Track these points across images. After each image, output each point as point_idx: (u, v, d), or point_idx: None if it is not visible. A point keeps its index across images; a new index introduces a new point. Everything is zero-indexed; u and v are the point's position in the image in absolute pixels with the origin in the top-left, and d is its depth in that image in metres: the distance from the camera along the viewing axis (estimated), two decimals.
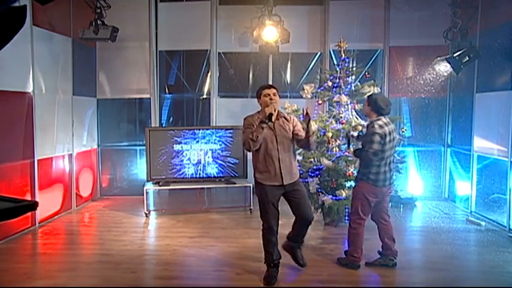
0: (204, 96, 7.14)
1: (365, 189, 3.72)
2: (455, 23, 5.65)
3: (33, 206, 1.22)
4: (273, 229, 3.46)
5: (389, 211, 4.00)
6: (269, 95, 3.42)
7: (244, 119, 3.53)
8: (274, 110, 3.35)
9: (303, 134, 3.48)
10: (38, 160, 5.09)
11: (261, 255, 3.93)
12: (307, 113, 3.33)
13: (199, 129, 5.87)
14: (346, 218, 5.16)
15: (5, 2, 1.12)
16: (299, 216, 3.52)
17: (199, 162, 5.83)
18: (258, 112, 3.52)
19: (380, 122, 3.65)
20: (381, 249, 3.93)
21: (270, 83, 7.04)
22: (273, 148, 3.41)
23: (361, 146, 3.84)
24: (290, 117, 3.59)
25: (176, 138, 5.78)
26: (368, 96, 3.87)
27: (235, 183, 5.79)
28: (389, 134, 3.64)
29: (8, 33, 1.20)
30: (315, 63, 7.02)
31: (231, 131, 5.89)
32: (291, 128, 3.51)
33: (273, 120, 3.31)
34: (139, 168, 7.00)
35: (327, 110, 6.01)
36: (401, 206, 6.08)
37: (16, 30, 1.21)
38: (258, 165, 3.47)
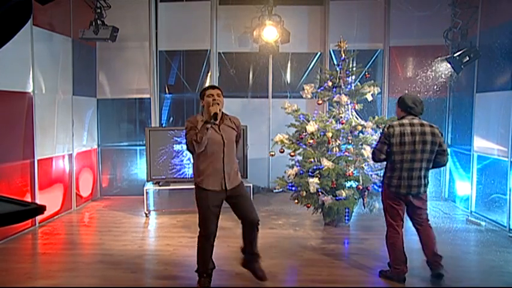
0: None
1: (384, 194, 3.60)
2: (455, 23, 5.66)
3: (40, 209, 1.22)
4: (210, 236, 3.34)
5: (426, 220, 3.63)
6: (212, 95, 3.26)
7: (187, 120, 3.34)
8: (219, 110, 3.25)
9: (239, 142, 3.48)
10: (38, 160, 5.09)
11: (261, 255, 3.93)
12: None
13: None
14: (346, 218, 5.17)
15: (5, 2, 1.12)
16: (244, 219, 3.41)
17: None
18: (202, 114, 3.34)
19: (394, 122, 3.50)
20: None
21: (270, 83, 7.06)
22: (219, 151, 3.26)
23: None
24: (235, 120, 3.44)
25: (176, 138, 5.78)
26: (398, 99, 3.66)
27: None
28: (403, 135, 3.38)
29: (14, 27, 1.20)
30: (315, 63, 7.02)
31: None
32: (235, 131, 3.40)
33: (217, 119, 3.21)
34: (139, 168, 7.00)
35: (327, 110, 6.02)
36: None
37: (22, 23, 1.20)
38: (201, 169, 3.31)
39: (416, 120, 3.48)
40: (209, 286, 3.37)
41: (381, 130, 3.56)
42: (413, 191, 3.45)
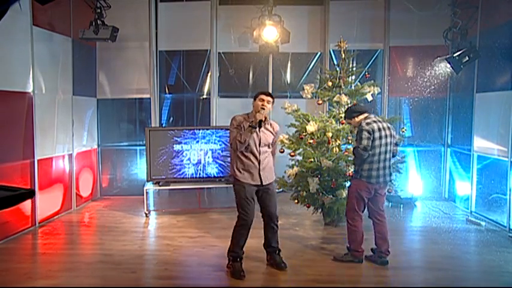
0: (204, 96, 7.14)
1: (358, 186, 3.85)
2: (455, 23, 5.66)
3: (30, 193, 1.22)
4: (248, 224, 3.64)
5: (385, 211, 4.05)
6: (263, 100, 3.61)
7: (233, 118, 3.69)
8: (265, 118, 3.61)
9: (275, 146, 3.86)
10: (38, 160, 5.09)
11: (261, 255, 3.94)
12: None
13: (199, 129, 5.87)
14: None
15: (6, 2, 1.12)
16: (263, 215, 3.77)
17: (199, 162, 5.83)
18: (247, 114, 3.71)
19: (368, 120, 3.80)
20: (374, 246, 4.02)
21: (270, 83, 7.05)
22: (255, 151, 3.63)
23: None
24: (274, 126, 3.80)
25: (176, 138, 5.78)
26: (344, 116, 4.09)
27: None
28: (379, 130, 3.75)
29: None
30: (315, 63, 7.02)
31: None
32: (273, 136, 3.76)
33: (262, 126, 3.57)
34: (139, 168, 7.00)
35: (327, 110, 6.02)
36: (401, 206, 6.09)
37: None
38: (239, 165, 3.67)
39: (377, 117, 3.89)
40: (242, 269, 3.63)
41: (359, 129, 3.80)
42: (387, 179, 3.88)
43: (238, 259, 3.67)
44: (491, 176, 5.35)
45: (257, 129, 3.53)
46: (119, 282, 3.54)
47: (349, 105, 4.20)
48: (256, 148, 3.62)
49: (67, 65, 5.89)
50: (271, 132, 3.75)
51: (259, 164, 3.63)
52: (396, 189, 5.10)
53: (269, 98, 3.64)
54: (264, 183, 3.65)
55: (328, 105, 6.06)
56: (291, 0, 6.79)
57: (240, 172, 3.66)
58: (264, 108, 3.59)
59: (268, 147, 3.73)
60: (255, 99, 3.68)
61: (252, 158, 3.63)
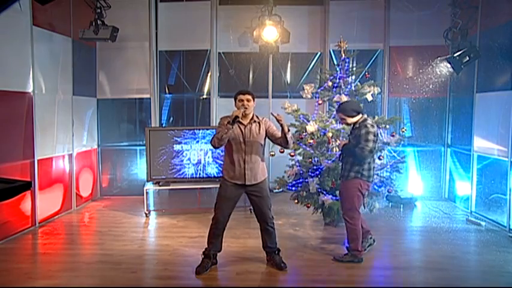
0: (204, 96, 7.15)
1: (360, 186, 3.85)
2: (455, 23, 5.65)
3: (28, 185, 1.23)
4: (220, 222, 3.71)
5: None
6: (242, 100, 3.62)
7: (221, 118, 3.72)
8: (245, 115, 3.61)
9: (279, 132, 3.67)
10: (38, 160, 5.09)
11: (261, 256, 3.94)
12: (278, 119, 3.53)
13: (199, 129, 5.87)
14: None
15: (6, 2, 1.13)
16: (257, 217, 3.81)
17: (199, 162, 5.83)
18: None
19: (370, 122, 3.82)
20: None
21: (270, 83, 7.06)
22: (240, 150, 3.62)
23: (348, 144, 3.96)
24: (262, 120, 3.75)
25: (176, 138, 5.78)
26: (338, 111, 3.96)
27: None
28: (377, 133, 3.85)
29: None
30: (315, 63, 7.02)
31: None
32: (263, 132, 3.70)
33: (240, 120, 3.57)
34: (139, 168, 7.00)
35: (327, 110, 6.02)
36: (401, 206, 6.09)
37: None
38: (226, 165, 3.73)
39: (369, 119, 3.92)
40: (205, 269, 3.70)
41: (365, 131, 3.73)
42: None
43: (205, 257, 3.75)
44: (491, 176, 5.35)
45: (233, 125, 3.51)
46: (119, 282, 3.54)
47: (347, 101, 4.13)
48: (241, 145, 3.60)
49: (67, 65, 5.89)
50: (259, 128, 3.67)
51: (244, 162, 3.61)
52: (396, 189, 5.10)
53: (248, 97, 3.63)
54: (247, 183, 3.64)
55: (328, 105, 6.06)
56: (291, 0, 6.79)
57: (226, 169, 3.71)
58: (246, 108, 3.59)
59: (261, 144, 3.68)
60: (235, 100, 3.67)
61: (236, 155, 3.62)
